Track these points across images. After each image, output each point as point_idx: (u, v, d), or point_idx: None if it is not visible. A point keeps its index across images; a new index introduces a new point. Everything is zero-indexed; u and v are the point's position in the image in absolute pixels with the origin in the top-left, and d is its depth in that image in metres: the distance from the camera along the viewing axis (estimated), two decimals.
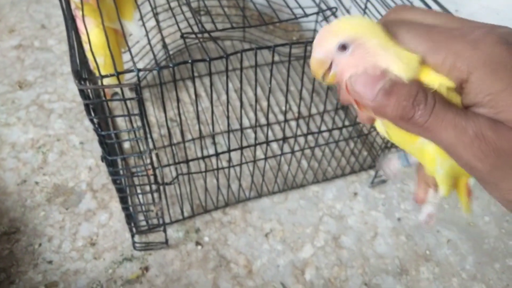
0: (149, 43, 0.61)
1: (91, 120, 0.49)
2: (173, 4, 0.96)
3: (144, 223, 0.72)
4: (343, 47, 0.22)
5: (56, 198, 0.78)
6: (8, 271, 0.68)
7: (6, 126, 0.88)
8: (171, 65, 0.49)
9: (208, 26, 0.74)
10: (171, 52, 1.01)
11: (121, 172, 0.70)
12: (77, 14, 0.74)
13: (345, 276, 0.70)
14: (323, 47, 0.22)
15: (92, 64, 0.75)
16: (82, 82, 0.45)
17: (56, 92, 0.95)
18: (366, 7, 0.73)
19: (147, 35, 0.63)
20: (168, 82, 0.96)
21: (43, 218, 0.75)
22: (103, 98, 0.57)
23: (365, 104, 0.21)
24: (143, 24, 0.63)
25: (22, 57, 1.03)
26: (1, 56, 1.03)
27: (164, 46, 0.95)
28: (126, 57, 0.91)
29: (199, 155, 0.84)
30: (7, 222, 0.74)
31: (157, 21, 0.82)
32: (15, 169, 0.81)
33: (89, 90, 0.51)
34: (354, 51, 0.21)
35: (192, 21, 0.64)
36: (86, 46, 0.70)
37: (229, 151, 0.65)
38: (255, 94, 0.61)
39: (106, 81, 0.66)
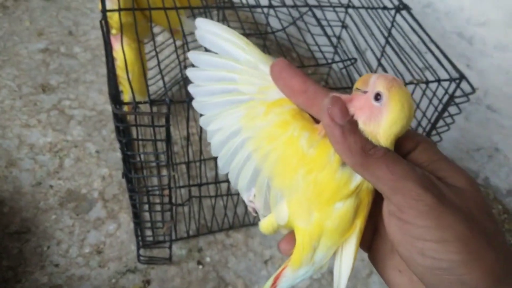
0: (178, 61, 0.65)
1: (120, 141, 0.53)
2: None
3: (150, 237, 0.75)
4: (378, 96, 0.23)
5: (68, 203, 0.81)
6: (15, 270, 0.71)
7: (27, 127, 0.92)
8: None
9: None
10: None
11: (137, 189, 0.73)
12: (111, 32, 0.78)
13: None
14: (372, 83, 0.24)
15: (118, 79, 0.79)
16: (118, 107, 0.49)
17: (78, 99, 0.99)
18: (382, 55, 0.77)
19: (176, 52, 0.67)
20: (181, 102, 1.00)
21: (54, 221, 0.78)
22: (132, 122, 0.61)
23: (339, 130, 0.23)
24: (174, 43, 0.67)
25: (48, 61, 1.07)
26: (28, 58, 1.07)
27: (190, 65, 1.00)
28: (150, 72, 0.95)
29: (209, 175, 0.87)
30: (19, 222, 0.77)
31: (186, 42, 0.86)
32: (31, 171, 0.84)
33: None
34: (379, 106, 0.23)
35: None
36: (116, 63, 0.74)
37: None
38: None
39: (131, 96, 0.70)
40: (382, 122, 0.23)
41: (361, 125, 0.23)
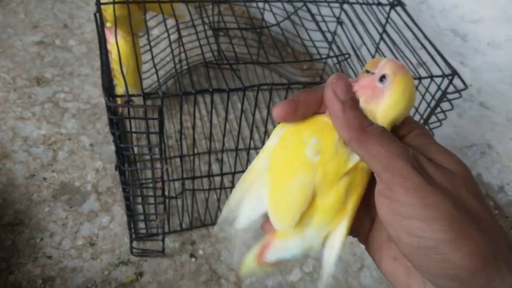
0: (172, 55, 0.66)
1: (113, 134, 0.53)
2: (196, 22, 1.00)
3: (143, 230, 0.75)
4: (383, 78, 0.25)
5: (62, 196, 0.81)
6: (8, 261, 0.71)
7: (21, 119, 0.91)
8: (193, 91, 0.53)
9: (224, 46, 0.78)
10: (189, 66, 1.05)
11: (130, 182, 0.73)
12: (105, 25, 0.78)
13: None
14: (381, 66, 0.25)
15: (113, 72, 0.79)
16: (111, 99, 0.49)
17: (72, 92, 0.99)
18: (376, 51, 0.78)
19: (170, 46, 0.67)
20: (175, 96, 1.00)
21: (47, 213, 0.78)
22: (126, 115, 0.61)
23: (338, 106, 0.24)
24: (169, 37, 0.67)
25: (43, 54, 1.07)
26: (23, 50, 1.06)
27: (185, 59, 1.00)
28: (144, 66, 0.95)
29: (203, 169, 0.87)
30: (12, 214, 0.77)
31: (180, 36, 0.86)
32: (25, 163, 0.84)
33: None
34: (382, 87, 0.24)
35: (212, 40, 0.68)
36: (110, 56, 0.74)
37: (234, 173, 0.69)
38: (266, 123, 0.65)
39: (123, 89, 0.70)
40: (382, 103, 0.24)
41: (362, 103, 0.25)
